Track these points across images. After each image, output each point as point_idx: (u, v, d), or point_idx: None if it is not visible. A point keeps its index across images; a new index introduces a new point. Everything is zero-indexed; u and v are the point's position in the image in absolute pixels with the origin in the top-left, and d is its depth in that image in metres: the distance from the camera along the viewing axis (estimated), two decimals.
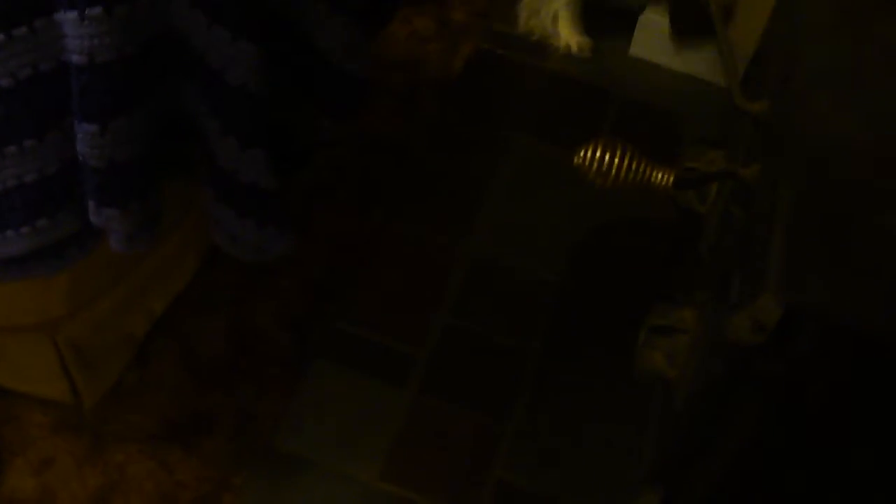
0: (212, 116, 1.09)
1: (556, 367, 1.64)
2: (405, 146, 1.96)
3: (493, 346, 1.67)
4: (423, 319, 1.70)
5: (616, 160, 0.94)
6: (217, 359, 1.62)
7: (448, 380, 1.63)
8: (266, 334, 1.66)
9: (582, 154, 0.95)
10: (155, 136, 1.08)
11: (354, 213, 1.83)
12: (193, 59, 1.06)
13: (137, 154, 1.06)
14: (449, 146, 1.98)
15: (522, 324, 1.70)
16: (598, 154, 0.94)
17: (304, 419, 1.56)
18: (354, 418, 1.57)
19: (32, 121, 1.07)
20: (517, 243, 1.82)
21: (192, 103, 1.10)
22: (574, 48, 2.19)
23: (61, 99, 1.06)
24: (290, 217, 1.17)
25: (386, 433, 1.56)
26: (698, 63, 2.17)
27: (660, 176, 0.97)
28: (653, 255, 1.76)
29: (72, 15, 0.98)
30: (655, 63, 2.19)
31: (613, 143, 0.95)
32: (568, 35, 2.19)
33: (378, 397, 1.60)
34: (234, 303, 1.69)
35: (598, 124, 2.06)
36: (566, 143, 2.00)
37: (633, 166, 0.95)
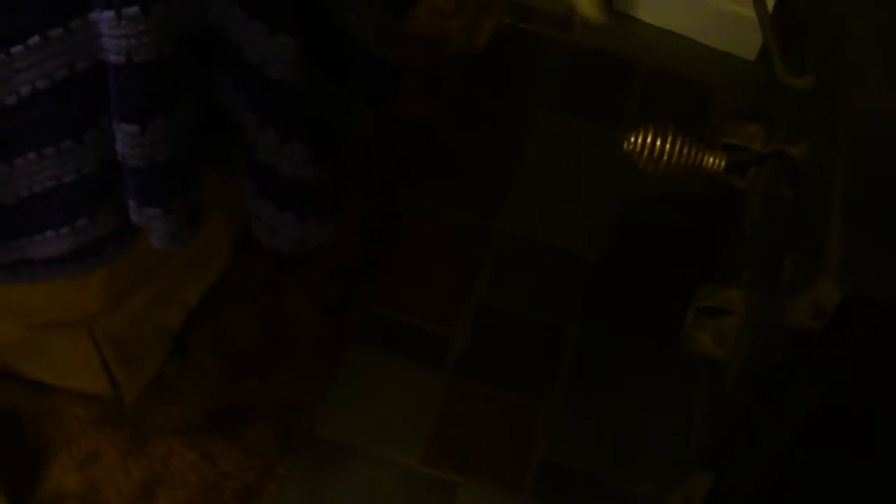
0: (250, 111, 1.08)
1: (595, 345, 1.64)
2: (431, 125, 1.94)
3: (529, 324, 1.67)
4: (457, 300, 1.69)
5: (668, 145, 0.93)
6: (253, 347, 1.62)
7: (486, 360, 1.62)
8: (301, 320, 1.65)
9: (632, 140, 0.94)
10: (194, 132, 1.07)
11: (384, 194, 1.82)
12: (231, 53, 1.05)
13: (178, 152, 1.05)
14: (476, 123, 1.96)
15: (559, 302, 1.69)
16: (648, 140, 0.93)
17: (343, 405, 1.56)
18: (393, 402, 1.57)
19: (69, 121, 1.06)
20: (550, 220, 1.80)
21: (229, 98, 1.09)
22: (592, 18, 2.16)
23: (98, 98, 1.05)
24: (331, 207, 1.16)
25: (425, 416, 1.55)
26: (721, 34, 2.14)
27: (711, 160, 0.96)
28: (690, 229, 1.75)
29: (108, 15, 0.97)
30: (680, 34, 2.16)
31: (664, 128, 0.93)
32: (585, 4, 2.16)
33: (416, 380, 1.60)
34: (268, 290, 1.68)
35: (625, 97, 2.04)
36: (594, 116, 2.01)
37: (685, 151, 0.94)
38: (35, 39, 1.01)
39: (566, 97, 2.03)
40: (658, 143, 0.92)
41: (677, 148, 0.93)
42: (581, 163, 1.91)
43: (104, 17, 0.98)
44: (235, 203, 1.46)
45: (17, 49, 1.02)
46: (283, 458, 1.50)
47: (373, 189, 1.83)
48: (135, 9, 0.96)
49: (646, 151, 0.92)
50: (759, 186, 1.24)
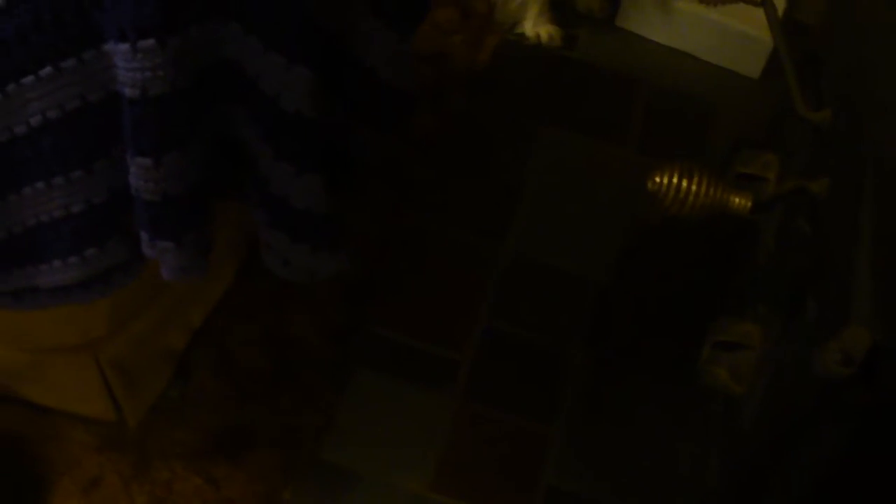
0: (265, 142, 1.07)
1: (604, 370, 1.63)
2: (435, 142, 1.93)
3: (536, 348, 1.66)
4: (463, 322, 1.68)
5: (694, 186, 0.91)
6: (257, 369, 1.60)
7: (493, 384, 1.61)
8: (305, 342, 1.64)
9: (657, 180, 0.92)
10: (207, 164, 1.06)
11: (388, 214, 1.81)
12: (246, 85, 1.03)
13: (191, 185, 1.04)
14: (480, 140, 1.95)
15: (566, 325, 1.68)
16: (674, 180, 0.92)
17: (349, 429, 1.54)
18: (399, 427, 1.56)
19: (80, 151, 1.05)
20: (557, 240, 1.79)
21: (243, 129, 1.08)
22: (544, 38, 2.15)
23: (110, 128, 1.03)
24: (343, 238, 1.15)
25: (433, 442, 1.54)
26: (725, 51, 2.13)
27: (737, 200, 0.94)
28: (700, 254, 1.74)
29: (124, 47, 0.95)
30: (684, 51, 2.16)
31: (689, 168, 0.92)
32: (535, 25, 2.14)
33: (422, 404, 1.58)
34: (272, 311, 1.67)
35: (628, 114, 2.03)
36: (598, 134, 2.00)
37: (711, 192, 0.92)
38: (47, 70, 1.00)
39: (570, 114, 2.02)
40: (684, 183, 0.91)
41: (703, 189, 0.91)
42: (586, 183, 1.90)
43: (119, 50, 0.96)
44: (239, 224, 1.45)
45: (28, 79, 1.00)
46: (288, 484, 1.49)
47: (376, 209, 1.81)
48: (150, 42, 0.95)
49: (671, 192, 0.91)
50: (774, 217, 1.23)
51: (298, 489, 1.48)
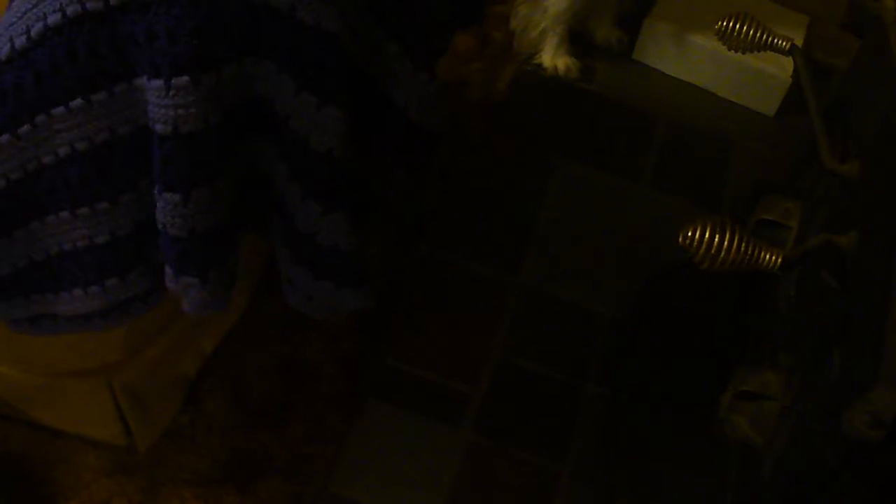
0: (293, 181, 1.06)
1: (618, 409, 1.62)
2: (450, 172, 1.93)
3: (550, 384, 1.65)
4: (477, 356, 1.68)
5: (725, 242, 0.91)
6: (268, 397, 1.60)
7: (504, 419, 1.60)
8: (316, 371, 1.63)
9: (689, 234, 0.92)
10: (235, 201, 1.05)
11: (400, 244, 1.80)
12: (276, 123, 1.03)
13: (219, 222, 1.03)
14: (495, 172, 1.95)
15: (580, 362, 1.68)
16: (706, 235, 0.91)
17: (359, 461, 1.54)
18: (410, 460, 1.55)
19: (106, 183, 1.05)
20: (571, 275, 1.79)
21: (271, 167, 1.08)
22: (561, 70, 2.15)
23: (138, 162, 1.03)
24: (367, 275, 1.15)
25: (443, 476, 1.53)
26: (741, 88, 2.14)
27: (768, 257, 0.94)
28: (717, 293, 1.74)
29: (157, 84, 0.95)
30: (700, 87, 2.16)
31: (722, 224, 0.92)
32: (553, 56, 2.15)
33: (433, 438, 1.58)
34: (284, 339, 1.66)
35: (644, 149, 2.03)
36: (614, 169, 2.00)
37: (742, 248, 0.92)
38: (77, 102, 1.00)
39: (585, 147, 2.02)
40: (716, 239, 0.91)
41: (735, 245, 0.91)
42: (600, 218, 1.90)
43: (152, 86, 0.96)
44: (254, 249, 1.45)
45: (58, 110, 1.01)
46: None
47: (391, 239, 1.81)
48: (185, 79, 0.95)
49: (703, 248, 0.91)
50: (797, 266, 1.22)
51: None
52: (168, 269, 1.06)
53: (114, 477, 1.49)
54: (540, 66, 2.16)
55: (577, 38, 2.18)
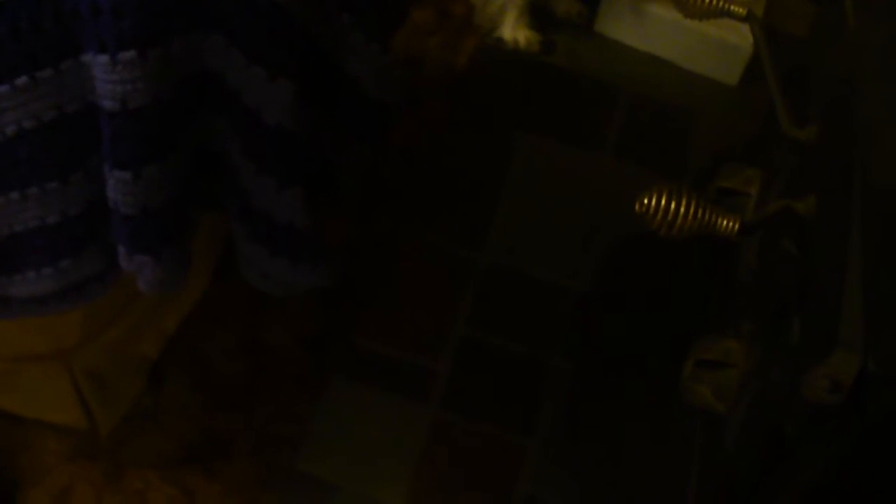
0: (246, 156, 1.05)
1: (583, 382, 1.62)
2: (411, 147, 1.91)
3: (513, 358, 1.65)
4: (441, 331, 1.67)
5: (682, 209, 0.91)
6: (232, 377, 1.59)
7: (470, 394, 1.60)
8: (280, 350, 1.62)
9: (645, 202, 0.92)
10: (187, 178, 1.04)
11: (362, 220, 1.79)
12: (228, 97, 1.02)
13: (171, 199, 1.02)
14: (457, 146, 1.94)
15: (544, 335, 1.67)
16: (662, 202, 0.91)
17: (325, 439, 1.53)
18: (376, 437, 1.55)
19: (56, 163, 1.03)
20: (534, 249, 1.78)
21: (224, 142, 1.06)
22: (522, 43, 2.14)
23: (87, 139, 1.01)
24: (324, 252, 1.13)
25: (410, 452, 1.53)
26: (703, 58, 2.13)
27: (725, 223, 0.94)
28: (679, 264, 1.73)
29: (103, 59, 0.93)
30: (662, 58, 2.16)
31: (678, 191, 0.91)
32: (513, 30, 2.14)
33: (399, 414, 1.57)
34: (246, 317, 1.65)
35: (607, 121, 2.02)
36: (576, 141, 1.99)
37: (699, 214, 0.92)
38: (23, 80, 0.98)
39: (547, 120, 2.01)
40: (672, 205, 0.90)
41: (692, 211, 0.91)
42: (563, 191, 1.89)
43: (98, 61, 0.94)
44: (213, 227, 1.43)
45: (3, 88, 0.98)
46: (263, 495, 1.47)
47: (352, 215, 1.79)
48: (131, 53, 0.93)
49: (659, 214, 0.91)
50: (757, 234, 1.22)
51: (275, 500, 1.46)
52: (121, 249, 1.05)
53: (76, 462, 1.48)
54: (500, 39, 2.14)
55: (537, 12, 2.16)
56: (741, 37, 2.08)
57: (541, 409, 1.59)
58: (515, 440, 1.56)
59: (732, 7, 1.16)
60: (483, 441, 1.55)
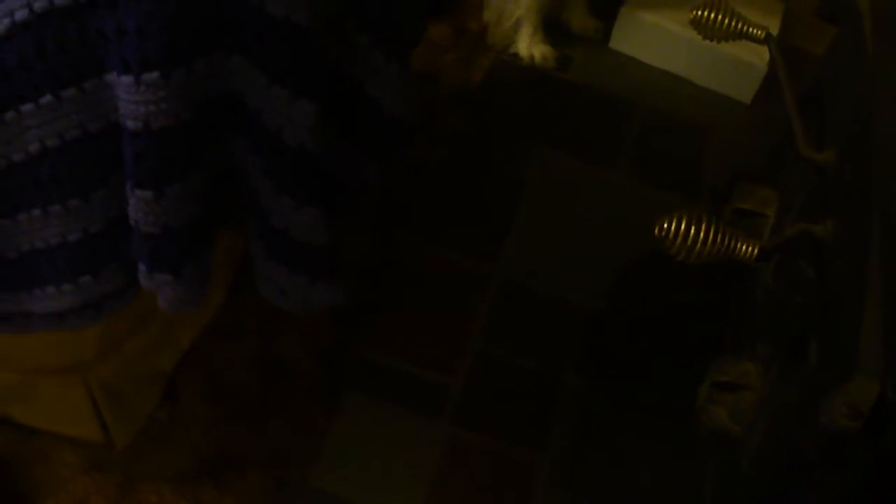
0: (266, 175, 1.05)
1: (596, 399, 1.62)
2: (426, 163, 1.92)
3: (527, 374, 1.65)
4: (455, 347, 1.67)
5: (701, 234, 0.91)
6: (246, 392, 1.59)
7: (483, 410, 1.60)
8: (294, 365, 1.62)
9: (665, 226, 0.92)
10: (208, 197, 1.04)
11: (377, 235, 1.79)
12: (248, 118, 1.02)
13: (192, 218, 1.02)
14: (472, 162, 1.94)
15: (557, 352, 1.68)
16: (682, 227, 0.91)
17: (338, 454, 1.53)
18: (390, 453, 1.55)
19: (78, 180, 1.03)
20: (549, 265, 1.79)
21: (244, 162, 1.07)
22: (537, 59, 2.15)
23: (109, 159, 1.02)
24: (341, 270, 1.14)
25: (422, 468, 1.53)
26: (717, 76, 2.14)
27: (744, 248, 0.94)
28: (695, 283, 1.73)
29: (127, 79, 0.94)
30: (677, 75, 2.16)
31: (698, 217, 0.92)
32: (529, 46, 2.15)
33: (412, 430, 1.57)
34: (261, 332, 1.65)
35: (621, 137, 2.02)
36: (591, 158, 1.99)
37: (718, 239, 0.92)
38: (47, 98, 0.99)
39: (562, 137, 2.02)
40: (692, 231, 0.91)
41: (710, 236, 0.91)
42: (578, 207, 1.90)
43: (122, 82, 0.95)
44: (229, 242, 1.44)
45: (27, 107, 0.99)
46: None
47: (367, 230, 1.80)
48: (154, 74, 0.94)
49: (678, 239, 0.91)
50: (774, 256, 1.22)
51: None
52: (142, 267, 1.05)
53: (91, 474, 1.48)
54: (516, 55, 2.15)
55: (553, 27, 2.17)
56: (756, 55, 2.08)
57: (553, 426, 1.59)
58: (528, 457, 1.56)
59: (751, 29, 1.17)
60: (496, 457, 1.55)
